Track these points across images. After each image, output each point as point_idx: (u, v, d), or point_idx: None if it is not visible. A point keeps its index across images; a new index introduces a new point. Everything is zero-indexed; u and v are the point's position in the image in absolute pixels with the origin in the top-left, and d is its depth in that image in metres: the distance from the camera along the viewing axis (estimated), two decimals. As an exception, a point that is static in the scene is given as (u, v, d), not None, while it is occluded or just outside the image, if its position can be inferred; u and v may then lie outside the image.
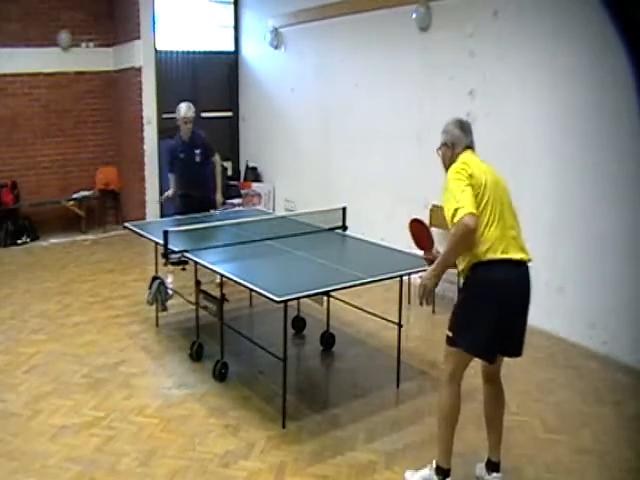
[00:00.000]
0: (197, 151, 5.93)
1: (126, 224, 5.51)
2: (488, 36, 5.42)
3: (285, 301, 3.51)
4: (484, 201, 2.89)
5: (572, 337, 4.89)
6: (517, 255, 2.89)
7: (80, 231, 8.62)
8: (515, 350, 3.05)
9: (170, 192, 5.97)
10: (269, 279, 3.92)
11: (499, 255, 2.86)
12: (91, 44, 8.78)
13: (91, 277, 6.71)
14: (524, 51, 5.11)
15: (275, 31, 8.31)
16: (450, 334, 3.03)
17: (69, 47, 8.54)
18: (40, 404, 4.00)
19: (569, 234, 4.93)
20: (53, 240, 8.31)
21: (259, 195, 8.88)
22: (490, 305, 2.87)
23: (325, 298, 4.41)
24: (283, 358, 3.70)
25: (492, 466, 3.19)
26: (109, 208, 9.12)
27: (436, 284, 2.96)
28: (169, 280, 5.71)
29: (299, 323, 5.16)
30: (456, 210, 2.79)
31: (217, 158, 6.12)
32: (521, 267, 2.92)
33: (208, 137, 6.15)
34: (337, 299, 4.71)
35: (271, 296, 3.45)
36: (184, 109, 5.87)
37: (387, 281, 4.10)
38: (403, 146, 6.45)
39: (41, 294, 6.16)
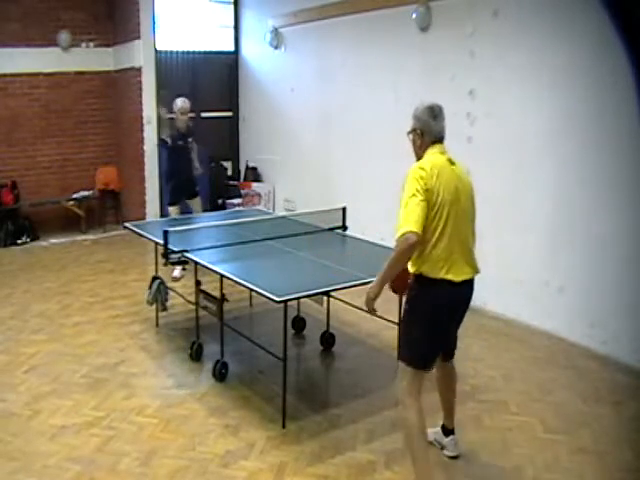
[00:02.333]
0: (190, 139, 6.67)
1: (126, 224, 5.51)
2: (488, 36, 5.42)
3: (285, 301, 3.51)
4: (436, 219, 2.83)
5: (572, 337, 4.89)
6: (459, 277, 2.89)
7: (80, 231, 8.62)
8: (449, 354, 3.26)
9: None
10: (269, 279, 3.92)
11: (441, 275, 2.87)
12: (91, 44, 8.78)
13: (91, 277, 6.71)
14: (524, 51, 5.11)
15: (275, 31, 8.31)
16: (398, 348, 3.12)
17: (69, 47, 8.54)
18: (40, 404, 4.00)
19: (569, 234, 4.93)
20: (53, 240, 8.31)
21: (259, 195, 8.88)
22: (426, 324, 2.92)
23: (325, 298, 4.41)
24: (283, 358, 3.70)
25: (447, 431, 3.43)
26: (109, 208, 9.11)
27: (377, 295, 2.96)
28: (176, 273, 6.17)
29: (299, 323, 5.16)
30: (404, 223, 2.76)
31: (194, 144, 6.78)
32: (462, 286, 2.93)
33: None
34: (337, 299, 4.71)
35: (271, 296, 3.45)
36: (180, 101, 6.52)
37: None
38: (403, 146, 6.42)
39: (41, 294, 6.16)
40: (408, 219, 2.74)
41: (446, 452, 3.43)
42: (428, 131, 3.01)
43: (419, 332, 2.94)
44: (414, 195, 2.80)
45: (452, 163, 2.98)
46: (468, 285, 2.98)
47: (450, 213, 2.85)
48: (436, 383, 3.40)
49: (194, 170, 6.70)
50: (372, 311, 3.05)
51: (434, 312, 2.92)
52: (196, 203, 6.75)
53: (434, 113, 3.00)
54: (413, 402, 2.97)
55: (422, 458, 2.97)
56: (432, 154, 2.97)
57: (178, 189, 6.65)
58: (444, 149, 3.03)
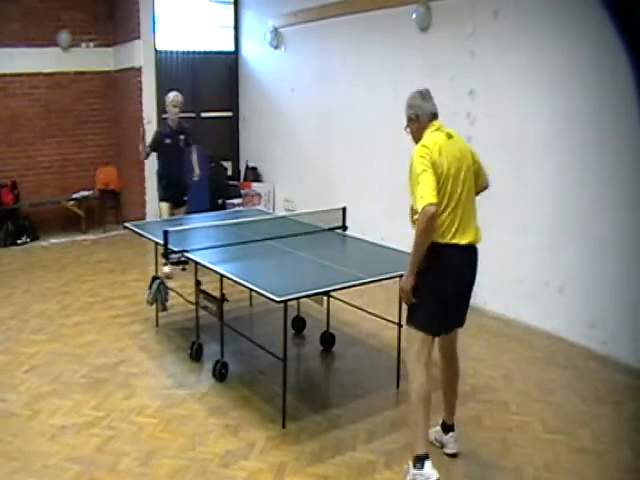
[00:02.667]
0: (182, 137, 6.43)
1: (126, 224, 5.51)
2: (488, 36, 5.42)
3: (285, 301, 3.51)
4: (442, 190, 3.00)
5: (572, 337, 4.89)
6: (464, 240, 3.06)
7: (80, 231, 8.62)
8: (459, 322, 3.27)
9: (141, 147, 6.40)
10: (269, 279, 3.92)
11: (448, 240, 3.04)
12: (91, 44, 8.78)
13: (91, 277, 6.71)
14: (524, 51, 5.11)
15: (275, 31, 8.31)
16: (407, 313, 3.19)
17: (69, 47, 8.54)
18: (40, 404, 4.00)
19: (569, 234, 4.93)
20: (53, 240, 8.31)
21: (259, 195, 8.88)
22: (435, 286, 3.06)
23: (325, 298, 4.41)
24: (283, 358, 3.70)
25: (447, 428, 3.42)
26: (109, 208, 9.12)
27: (412, 284, 3.08)
28: (166, 269, 6.00)
29: (299, 323, 5.16)
30: (420, 198, 2.93)
31: (194, 147, 6.66)
32: (468, 250, 3.10)
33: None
34: (337, 299, 4.71)
35: (271, 296, 3.45)
36: (173, 94, 6.38)
37: (387, 281, 4.09)
38: (403, 146, 6.43)
39: (41, 294, 6.16)
40: (424, 193, 2.91)
41: (446, 450, 3.43)
42: (421, 113, 3.17)
43: (430, 296, 3.06)
44: (424, 171, 2.96)
45: (450, 136, 3.12)
46: (472, 250, 3.12)
47: (454, 184, 3.03)
48: (440, 373, 3.43)
49: (194, 176, 6.54)
50: (409, 302, 3.15)
51: (443, 276, 3.06)
52: (180, 213, 6.41)
53: (422, 95, 3.21)
54: (421, 368, 3.08)
55: (421, 425, 3.07)
56: (430, 133, 3.13)
57: (165, 189, 6.49)
58: (440, 124, 3.17)
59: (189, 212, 6.48)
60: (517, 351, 4.84)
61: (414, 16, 6.03)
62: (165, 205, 6.46)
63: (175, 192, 6.47)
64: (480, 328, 5.24)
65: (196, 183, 6.72)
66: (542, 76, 4.99)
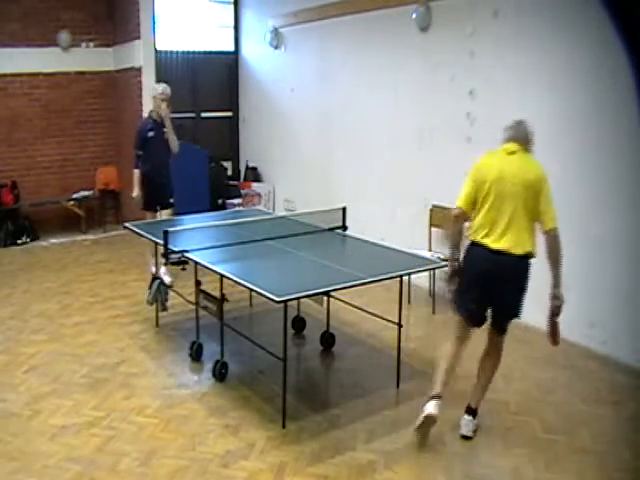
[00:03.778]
0: (165, 129, 6.03)
1: (126, 224, 5.50)
2: (488, 36, 5.42)
3: (285, 301, 3.51)
4: (481, 197, 3.43)
5: (572, 337, 4.89)
6: (495, 244, 3.39)
7: (80, 231, 8.62)
8: (480, 318, 3.61)
9: (135, 192, 6.06)
10: (269, 279, 3.92)
11: (478, 239, 3.45)
12: (91, 44, 8.78)
13: (91, 277, 6.71)
14: (524, 51, 5.12)
15: (275, 31, 8.31)
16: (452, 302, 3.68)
17: (69, 47, 8.54)
18: (40, 404, 4.00)
19: (569, 234, 4.87)
20: (53, 240, 8.31)
21: (259, 195, 8.88)
22: (468, 277, 3.52)
23: (325, 298, 4.41)
24: (283, 358, 3.70)
25: (469, 410, 3.65)
26: (109, 208, 9.11)
27: (450, 268, 3.61)
28: (167, 278, 5.74)
29: (299, 323, 5.16)
30: (457, 199, 3.53)
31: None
32: (497, 255, 3.39)
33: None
34: (337, 299, 4.71)
35: (271, 296, 3.45)
36: (162, 86, 6.05)
37: (387, 281, 4.10)
38: (403, 146, 6.45)
39: (41, 294, 6.16)
40: (458, 196, 3.52)
41: (460, 431, 3.61)
42: (505, 136, 3.57)
43: (463, 285, 3.56)
44: (466, 181, 3.53)
45: (511, 153, 3.47)
46: (506, 257, 3.38)
47: (492, 192, 3.40)
48: (479, 363, 3.74)
49: (171, 148, 6.03)
50: (452, 288, 3.62)
51: (471, 269, 3.50)
52: (167, 215, 6.08)
53: (508, 126, 3.57)
54: (450, 343, 3.62)
55: (441, 373, 3.56)
56: (491, 152, 3.59)
57: (150, 195, 6.05)
58: (509, 145, 3.50)
59: (177, 214, 6.10)
60: (517, 351, 4.84)
61: (414, 16, 6.03)
62: (148, 214, 6.11)
63: (159, 194, 6.07)
64: (480, 328, 5.24)
65: (195, 183, 6.58)
66: (542, 76, 4.99)
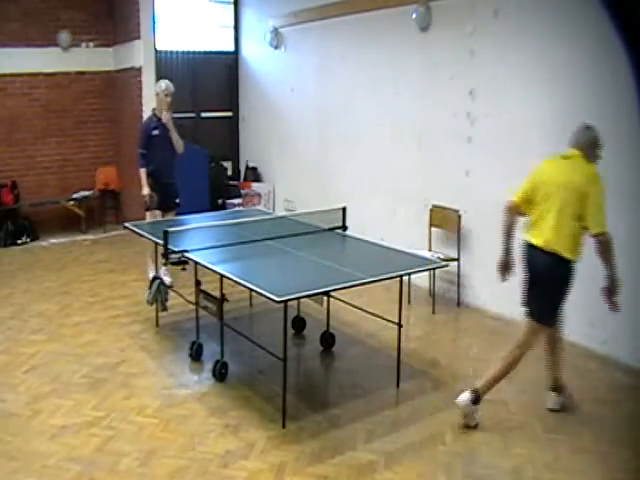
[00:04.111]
0: (167, 129, 5.95)
1: (126, 224, 5.50)
2: (488, 35, 5.42)
3: (285, 301, 3.51)
4: (534, 193, 3.66)
5: (572, 337, 4.87)
6: (534, 239, 3.66)
7: (80, 231, 8.62)
8: (530, 313, 3.76)
9: (146, 190, 5.91)
10: (269, 279, 3.92)
11: (527, 238, 3.72)
12: (91, 44, 8.78)
13: (91, 277, 6.71)
14: (524, 50, 5.11)
15: (275, 31, 8.31)
16: None
17: (69, 47, 8.53)
18: (40, 404, 4.00)
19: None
20: (53, 240, 8.31)
21: (259, 195, 8.88)
22: (522, 272, 3.80)
23: (325, 298, 4.41)
24: (283, 358, 3.70)
25: (552, 387, 3.96)
26: (109, 208, 9.11)
27: (500, 259, 3.88)
28: (167, 279, 5.72)
29: (299, 323, 5.16)
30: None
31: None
32: (536, 250, 3.64)
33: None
34: (337, 299, 4.71)
35: (271, 296, 3.45)
36: (165, 83, 5.95)
37: (387, 281, 4.10)
38: (403, 146, 6.45)
39: (41, 294, 6.16)
40: (515, 191, 3.75)
41: (547, 405, 3.93)
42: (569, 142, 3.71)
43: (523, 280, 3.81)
44: (525, 178, 3.75)
45: (565, 158, 3.65)
46: (542, 253, 3.60)
47: (542, 194, 3.62)
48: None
49: (176, 148, 5.95)
50: (503, 279, 3.91)
51: (523, 264, 3.77)
52: (169, 215, 5.98)
53: (574, 131, 3.69)
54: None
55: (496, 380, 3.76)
56: (551, 156, 3.77)
57: (157, 192, 5.92)
58: (568, 150, 3.65)
59: (177, 214, 6.01)
60: (517, 351, 4.84)
61: (414, 16, 6.03)
62: (158, 212, 5.97)
63: (165, 195, 5.97)
64: (480, 328, 5.25)
65: (195, 183, 6.55)
66: (542, 75, 4.98)
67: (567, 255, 3.56)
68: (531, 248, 3.67)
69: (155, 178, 5.96)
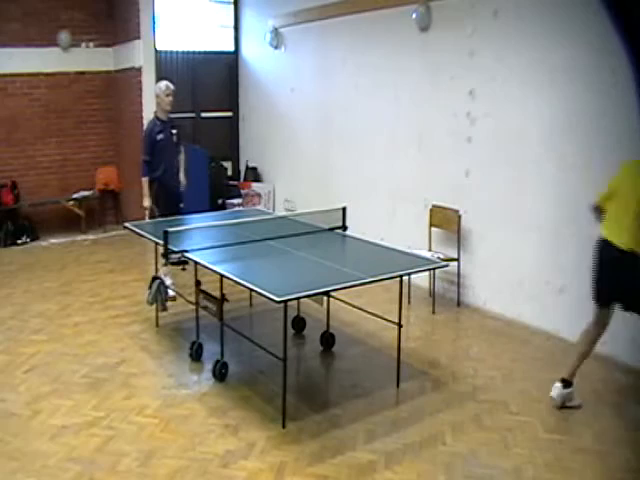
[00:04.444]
0: (174, 131, 5.90)
1: (126, 224, 5.50)
2: (488, 36, 5.42)
3: (285, 301, 3.51)
4: (612, 197, 3.88)
5: (572, 337, 4.87)
6: (609, 237, 3.87)
7: (80, 231, 8.62)
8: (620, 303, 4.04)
9: (147, 202, 5.78)
10: (269, 279, 3.92)
11: (604, 234, 3.91)
12: (91, 44, 8.78)
13: (91, 277, 6.71)
14: (524, 51, 5.11)
15: (275, 31, 8.31)
16: None
17: (69, 47, 8.54)
18: (40, 404, 4.00)
19: (569, 234, 4.93)
20: (53, 240, 8.31)
21: (259, 195, 8.88)
22: (595, 266, 4.01)
23: (325, 298, 4.41)
24: (283, 358, 3.70)
25: (563, 379, 4.00)
26: (109, 208, 9.12)
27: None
28: (167, 281, 5.65)
29: (299, 323, 5.16)
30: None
31: (183, 148, 6.09)
32: (607, 243, 3.87)
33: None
34: (337, 299, 4.71)
35: (271, 296, 3.45)
36: (165, 83, 5.87)
37: (387, 281, 4.10)
38: (403, 146, 6.45)
39: (41, 294, 6.16)
40: (599, 195, 4.02)
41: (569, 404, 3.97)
42: None
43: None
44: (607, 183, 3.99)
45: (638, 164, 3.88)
46: (614, 248, 3.83)
47: (622, 196, 3.85)
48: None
49: (179, 185, 5.94)
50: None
51: (595, 257, 3.98)
52: None
53: None
54: (589, 324, 4.09)
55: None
56: (629, 160, 3.95)
57: (166, 203, 5.79)
58: None
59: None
60: (517, 351, 4.84)
61: (414, 16, 6.03)
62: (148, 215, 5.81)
63: (171, 200, 5.86)
64: (480, 328, 5.25)
65: (195, 183, 6.53)
66: (542, 75, 4.99)
67: (632, 247, 3.79)
68: (604, 243, 3.90)
69: (161, 183, 5.84)
